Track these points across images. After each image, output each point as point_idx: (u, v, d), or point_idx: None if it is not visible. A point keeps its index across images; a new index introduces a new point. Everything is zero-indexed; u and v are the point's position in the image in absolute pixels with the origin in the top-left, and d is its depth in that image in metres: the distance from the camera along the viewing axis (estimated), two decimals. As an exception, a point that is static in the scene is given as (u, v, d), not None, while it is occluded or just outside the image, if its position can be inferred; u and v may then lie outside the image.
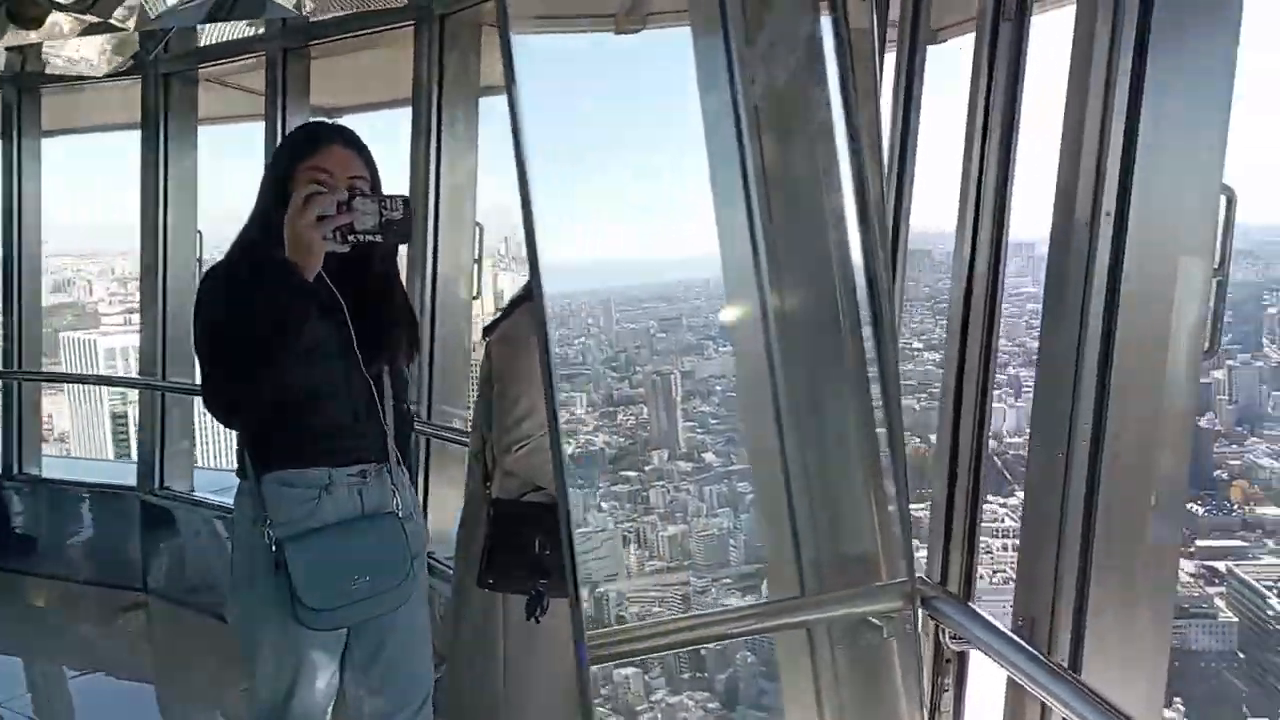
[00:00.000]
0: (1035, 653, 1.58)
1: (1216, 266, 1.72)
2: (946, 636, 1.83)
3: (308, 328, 1.72)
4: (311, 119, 3.91)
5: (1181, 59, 1.62)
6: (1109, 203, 1.66)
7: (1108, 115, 1.64)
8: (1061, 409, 1.76)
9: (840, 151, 1.90)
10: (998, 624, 1.67)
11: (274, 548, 1.74)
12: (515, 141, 1.08)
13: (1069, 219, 1.73)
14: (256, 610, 1.81)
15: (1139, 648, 1.78)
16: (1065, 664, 1.76)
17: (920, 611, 1.82)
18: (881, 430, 1.97)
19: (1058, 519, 1.78)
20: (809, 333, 1.97)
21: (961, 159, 1.91)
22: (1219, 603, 9.49)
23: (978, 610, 1.73)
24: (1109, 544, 1.74)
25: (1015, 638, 1.63)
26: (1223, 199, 1.67)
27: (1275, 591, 9.07)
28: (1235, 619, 9.36)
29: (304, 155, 1.80)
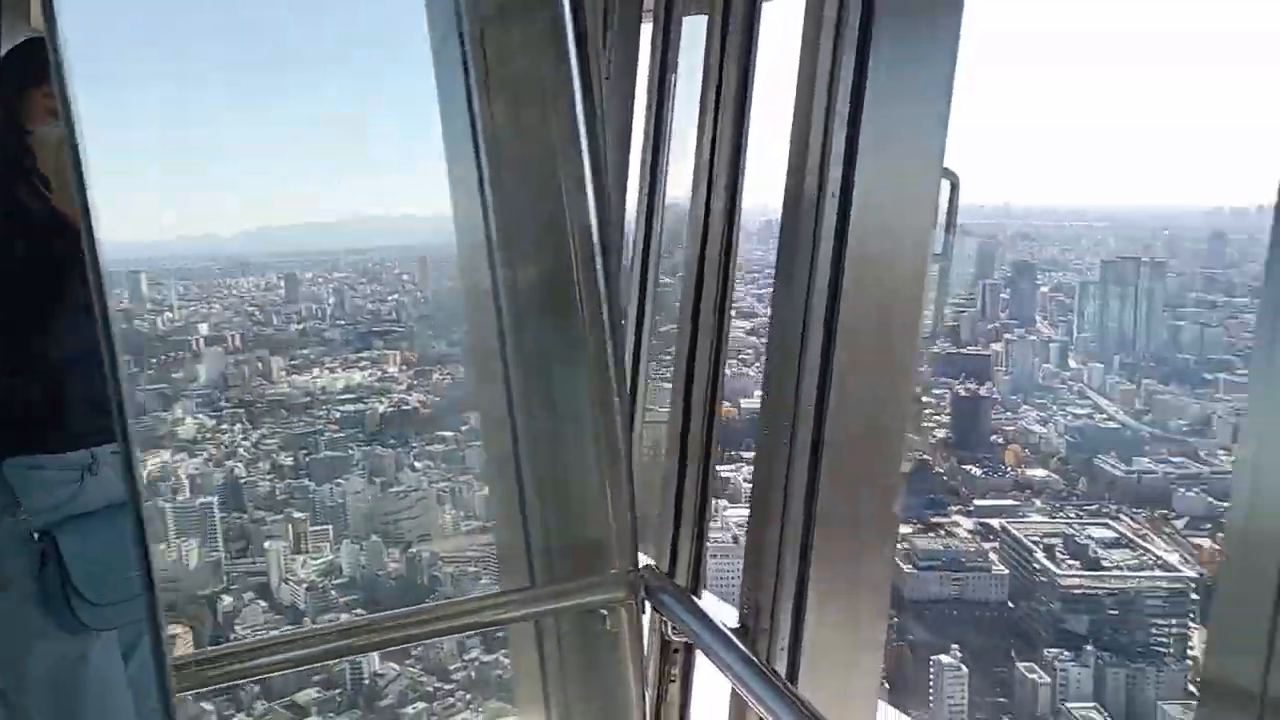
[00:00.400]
0: (745, 651, 1.53)
1: (939, 251, 1.71)
2: (669, 629, 1.78)
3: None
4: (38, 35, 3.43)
5: (904, 48, 1.59)
6: (833, 183, 1.62)
7: (833, 96, 1.60)
8: (788, 386, 1.72)
9: (577, 120, 1.78)
10: (714, 618, 1.62)
11: (37, 538, 1.49)
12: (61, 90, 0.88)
13: (798, 196, 1.68)
14: (18, 615, 1.53)
15: (856, 637, 1.78)
16: (785, 650, 1.74)
17: (647, 602, 1.76)
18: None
19: (782, 501, 1.75)
20: (542, 304, 1.86)
21: (696, 131, 1.84)
22: (993, 557, 10.20)
23: (697, 603, 1.67)
24: (829, 526, 1.72)
25: (729, 634, 1.58)
26: (945, 184, 1.66)
27: (1041, 547, 9.84)
28: (1006, 571, 10.10)
29: (40, 80, 1.52)
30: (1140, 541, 10.02)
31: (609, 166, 1.96)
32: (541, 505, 1.88)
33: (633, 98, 2.17)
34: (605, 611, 1.79)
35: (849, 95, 1.57)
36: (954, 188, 1.66)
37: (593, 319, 1.82)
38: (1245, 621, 1.12)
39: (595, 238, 1.75)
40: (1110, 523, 10.41)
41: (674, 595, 1.72)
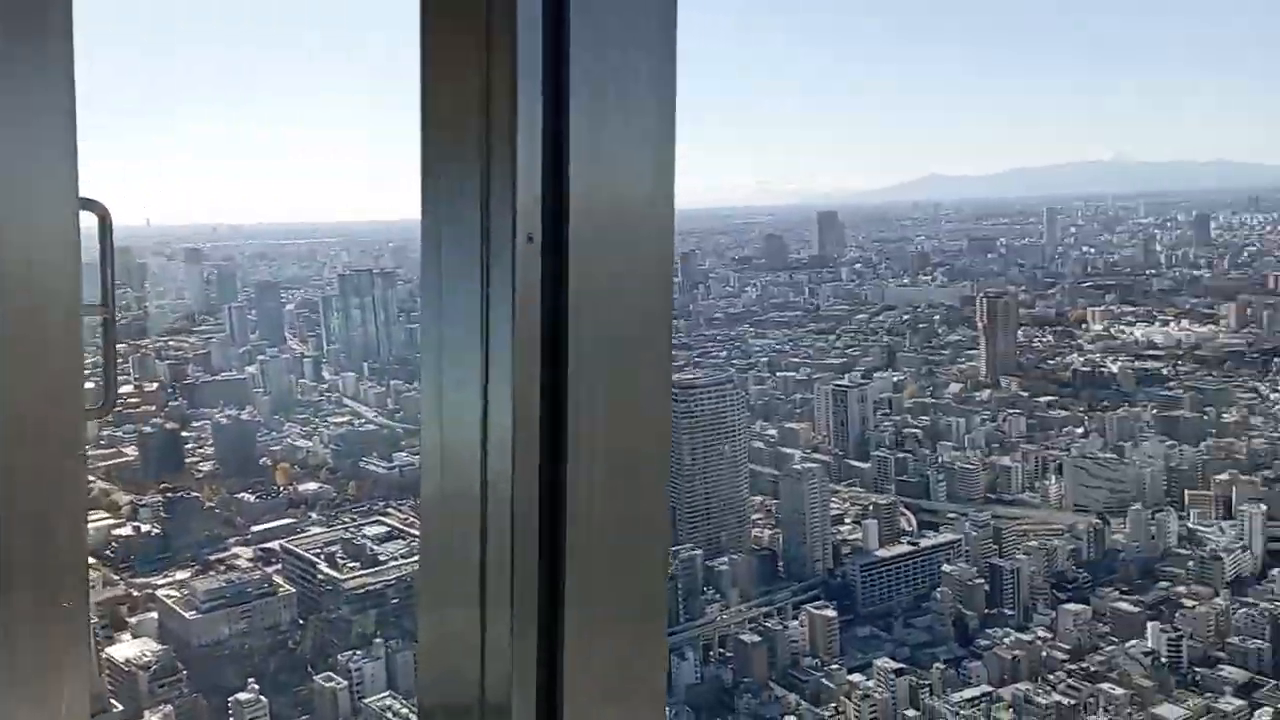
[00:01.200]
0: None
1: (99, 303, 1.52)
2: None
3: None
4: None
5: (17, 64, 1.37)
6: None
7: None
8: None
9: None
10: None
11: None
12: None
13: None
14: None
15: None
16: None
17: None
18: None
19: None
20: None
21: None
22: (279, 579, 10.86)
23: None
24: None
25: None
26: (92, 218, 1.48)
27: (323, 557, 10.72)
28: (294, 590, 10.86)
29: None
30: (410, 530, 10.96)
31: None
32: None
33: None
34: None
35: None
36: (104, 220, 1.49)
37: None
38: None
39: None
40: (382, 519, 11.21)
41: None
